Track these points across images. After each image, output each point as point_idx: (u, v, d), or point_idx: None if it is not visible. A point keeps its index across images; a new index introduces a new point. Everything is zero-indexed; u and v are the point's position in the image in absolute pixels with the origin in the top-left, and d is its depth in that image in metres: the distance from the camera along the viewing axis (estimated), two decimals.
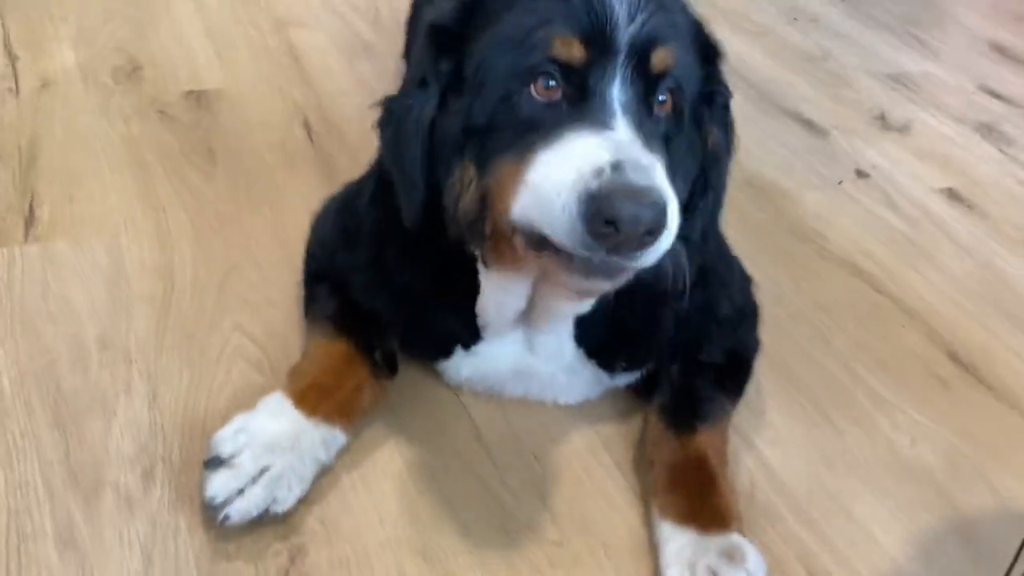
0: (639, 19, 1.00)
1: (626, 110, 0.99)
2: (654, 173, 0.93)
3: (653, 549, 1.23)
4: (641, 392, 1.42)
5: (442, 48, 1.10)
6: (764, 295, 1.75)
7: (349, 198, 1.42)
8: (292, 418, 1.23)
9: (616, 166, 0.91)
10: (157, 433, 1.28)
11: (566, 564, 1.21)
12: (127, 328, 1.44)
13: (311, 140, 1.96)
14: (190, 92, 2.05)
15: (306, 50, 2.28)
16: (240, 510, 1.15)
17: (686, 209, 1.12)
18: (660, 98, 1.04)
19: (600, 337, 1.30)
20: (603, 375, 1.37)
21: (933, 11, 3.32)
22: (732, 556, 1.17)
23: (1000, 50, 3.07)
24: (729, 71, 2.52)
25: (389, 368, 1.34)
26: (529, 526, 1.25)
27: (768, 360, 1.60)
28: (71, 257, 1.55)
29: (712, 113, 1.16)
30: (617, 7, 1.00)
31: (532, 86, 1.02)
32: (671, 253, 1.01)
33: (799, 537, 1.31)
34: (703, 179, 1.17)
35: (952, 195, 2.17)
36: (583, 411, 1.44)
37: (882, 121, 2.48)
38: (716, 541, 1.18)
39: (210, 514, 1.15)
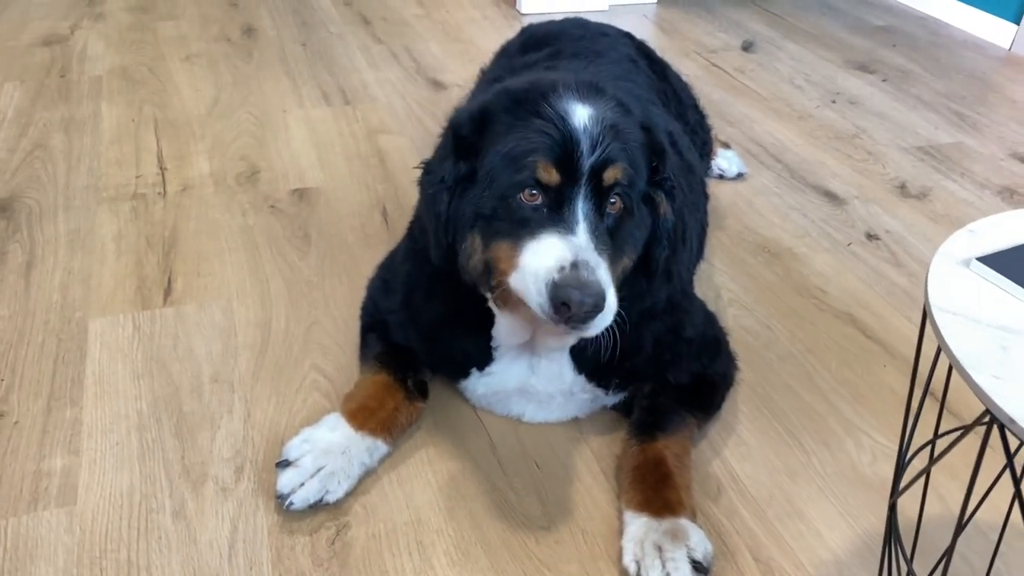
0: (598, 150, 1.38)
1: (586, 218, 1.36)
2: (599, 271, 1.31)
3: (621, 535, 1.53)
4: (627, 411, 1.73)
5: (460, 152, 1.48)
6: (759, 340, 2.04)
7: (390, 259, 1.86)
8: (344, 432, 1.62)
9: (574, 265, 1.30)
10: (249, 442, 1.70)
11: (549, 543, 1.53)
12: (233, 367, 1.88)
13: (386, 224, 2.40)
14: (295, 190, 2.54)
15: (391, 152, 2.76)
16: (301, 498, 1.54)
17: (646, 255, 1.51)
18: (611, 201, 1.41)
19: (595, 362, 1.63)
20: (599, 394, 1.70)
21: (979, 87, 3.51)
22: (676, 535, 1.46)
23: None
24: (763, 151, 2.86)
25: (420, 394, 1.72)
26: (525, 515, 1.58)
27: (750, 391, 1.88)
28: (196, 316, 2.02)
29: (663, 193, 1.50)
30: (583, 141, 1.38)
31: (522, 193, 1.40)
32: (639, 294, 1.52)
33: (752, 531, 1.57)
34: (657, 235, 1.51)
35: None
36: (580, 429, 1.76)
37: (902, 189, 2.71)
38: (665, 524, 1.48)
39: (279, 502, 1.55)
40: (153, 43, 3.51)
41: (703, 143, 2.43)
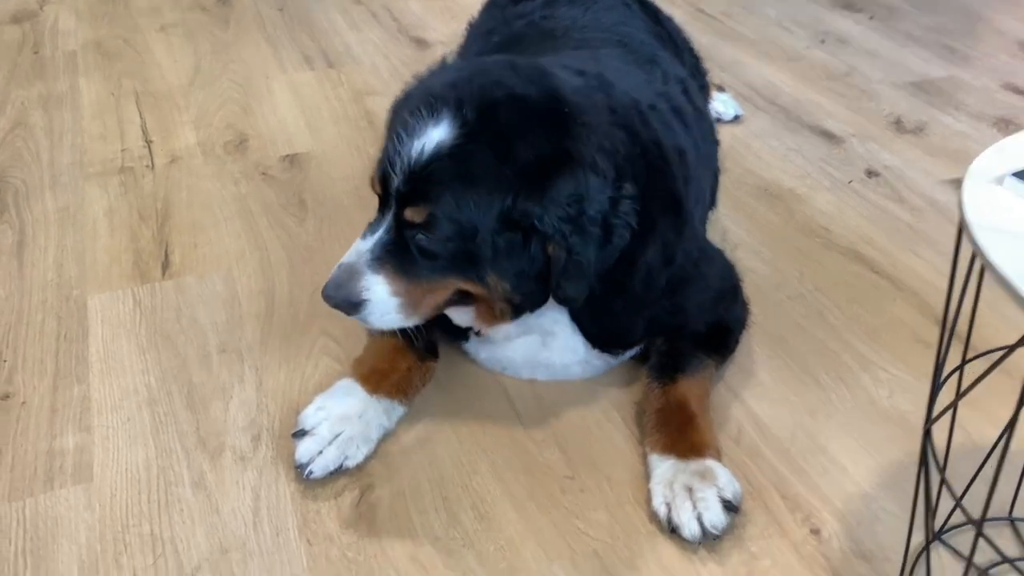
0: (403, 180, 1.38)
1: (386, 231, 1.42)
2: (357, 279, 1.41)
3: (646, 480, 1.52)
4: (644, 359, 1.72)
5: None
6: (767, 282, 2.03)
7: None
8: (360, 396, 1.60)
9: (339, 265, 1.44)
10: (263, 410, 1.67)
11: (574, 491, 1.52)
12: (240, 336, 1.84)
13: None
14: (286, 156, 2.49)
15: (379, 113, 2.68)
16: (320, 465, 1.52)
17: (539, 285, 1.45)
18: (420, 226, 1.39)
19: (596, 335, 1.64)
20: (610, 358, 1.70)
21: (966, 20, 3.48)
22: (704, 476, 1.45)
23: None
24: (756, 94, 2.81)
25: (431, 353, 1.69)
26: (548, 466, 1.57)
27: (763, 333, 1.87)
28: (197, 287, 1.98)
29: (543, 232, 1.37)
30: (397, 167, 1.38)
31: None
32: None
33: (776, 469, 1.57)
34: (547, 272, 1.42)
35: (960, 185, 2.37)
36: (599, 380, 1.74)
37: (898, 125, 2.69)
38: (692, 465, 1.47)
39: (299, 471, 1.52)
40: (125, 15, 3.41)
41: (700, 87, 2.39)
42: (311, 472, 1.51)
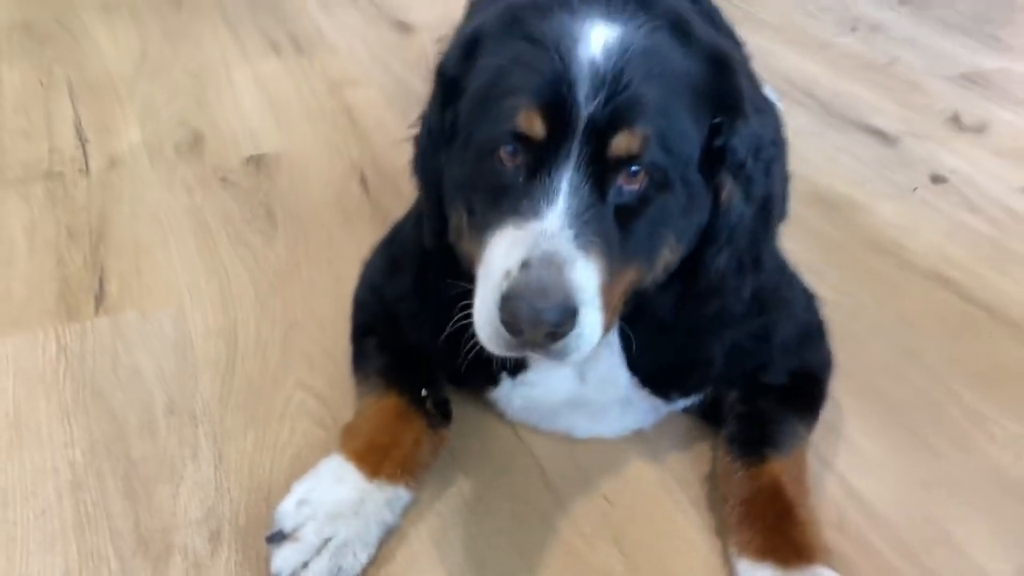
0: (602, 96, 0.99)
1: (573, 193, 0.99)
2: (571, 269, 0.95)
3: None
4: (706, 416, 1.37)
5: (446, 96, 1.14)
6: (840, 312, 1.66)
7: (395, 230, 1.45)
8: (354, 482, 1.21)
9: (525, 263, 0.94)
10: (224, 495, 1.28)
11: None
12: (193, 392, 1.45)
13: (367, 194, 1.96)
14: (250, 158, 2.08)
15: (361, 107, 2.31)
16: None
17: (694, 257, 1.13)
18: (631, 170, 1.02)
19: (652, 365, 1.26)
20: (659, 403, 1.33)
21: (1004, 7, 3.17)
22: None
23: None
24: (791, 87, 2.47)
25: (443, 416, 1.31)
26: (604, 571, 1.20)
27: (848, 379, 1.51)
28: (139, 327, 1.58)
29: (728, 172, 1.10)
30: (583, 80, 0.99)
31: (499, 152, 1.04)
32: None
33: (898, 571, 1.21)
34: (713, 232, 1.12)
35: None
36: (650, 446, 1.38)
37: (956, 123, 2.36)
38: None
39: None
40: None
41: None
42: None
